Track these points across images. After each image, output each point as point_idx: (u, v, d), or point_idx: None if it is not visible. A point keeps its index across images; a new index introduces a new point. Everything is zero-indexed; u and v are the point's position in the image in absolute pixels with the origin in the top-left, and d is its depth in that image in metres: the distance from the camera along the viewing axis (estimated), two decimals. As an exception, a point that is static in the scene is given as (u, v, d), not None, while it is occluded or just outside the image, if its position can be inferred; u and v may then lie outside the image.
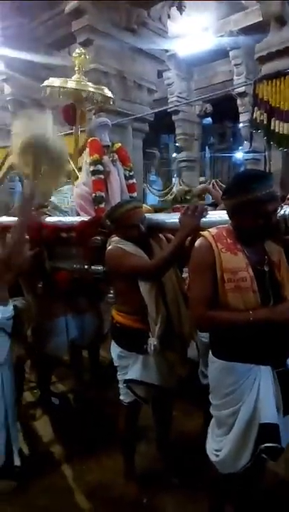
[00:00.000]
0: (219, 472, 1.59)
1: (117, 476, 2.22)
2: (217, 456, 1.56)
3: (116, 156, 2.65)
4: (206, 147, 12.76)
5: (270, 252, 1.52)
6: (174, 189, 10.30)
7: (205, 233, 1.52)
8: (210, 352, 1.61)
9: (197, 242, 1.53)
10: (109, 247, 1.97)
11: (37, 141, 2.23)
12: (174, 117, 9.97)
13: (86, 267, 2.36)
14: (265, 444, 1.40)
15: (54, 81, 3.10)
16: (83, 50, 3.33)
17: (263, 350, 1.45)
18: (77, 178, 2.91)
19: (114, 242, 1.95)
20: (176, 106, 9.20)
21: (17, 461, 2.21)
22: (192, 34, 8.02)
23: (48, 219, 2.54)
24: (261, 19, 5.87)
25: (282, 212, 1.46)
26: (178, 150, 11.15)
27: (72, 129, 3.49)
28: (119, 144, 2.79)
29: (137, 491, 2.13)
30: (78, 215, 2.57)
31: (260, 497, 1.78)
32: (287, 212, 1.46)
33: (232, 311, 1.43)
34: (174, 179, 11.80)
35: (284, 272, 1.50)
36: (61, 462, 2.45)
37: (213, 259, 1.45)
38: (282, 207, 1.50)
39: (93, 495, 2.16)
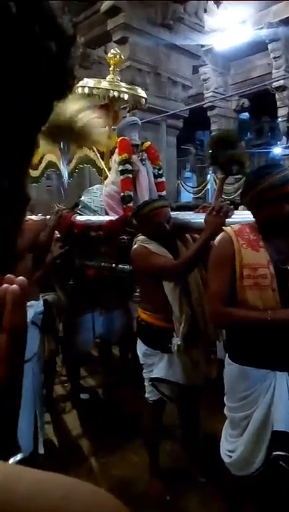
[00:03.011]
0: (233, 474, 1.58)
1: (141, 472, 2.24)
2: (230, 457, 1.55)
3: (145, 155, 2.66)
4: (243, 143, 12.47)
5: None
6: (209, 186, 10.13)
7: (227, 228, 1.52)
8: (226, 354, 1.59)
9: (218, 237, 1.53)
10: (135, 246, 1.98)
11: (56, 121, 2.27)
12: (209, 113, 9.81)
13: (113, 265, 2.40)
14: (276, 453, 1.37)
15: (88, 81, 3.16)
16: (118, 51, 3.35)
17: (279, 355, 1.41)
18: (107, 177, 2.95)
19: (140, 241, 1.97)
20: (210, 102, 9.05)
21: (41, 450, 2.28)
22: (229, 28, 7.85)
23: (78, 218, 2.60)
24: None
25: None
26: (213, 146, 10.97)
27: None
28: (149, 143, 2.79)
29: (160, 488, 2.15)
30: (107, 214, 2.61)
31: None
32: None
33: (249, 310, 1.40)
34: (208, 175, 11.64)
35: None
36: (88, 455, 2.51)
37: (233, 254, 1.44)
38: None
39: (117, 489, 2.19)
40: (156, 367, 2.02)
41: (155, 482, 2.17)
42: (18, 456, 0.43)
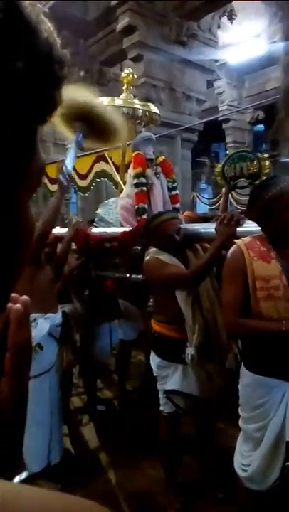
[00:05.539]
0: (248, 488, 1.56)
1: (159, 486, 2.22)
2: (245, 471, 1.53)
3: (159, 169, 2.71)
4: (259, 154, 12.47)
5: None
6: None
7: (238, 241, 1.55)
8: (242, 364, 1.60)
9: (229, 250, 1.56)
10: (147, 258, 2.01)
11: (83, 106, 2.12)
12: (224, 126, 9.87)
13: (127, 275, 2.43)
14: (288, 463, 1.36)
15: (103, 100, 3.28)
16: (131, 70, 3.45)
17: None
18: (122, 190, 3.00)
19: (152, 253, 2.00)
20: (225, 115, 9.11)
21: (53, 461, 2.26)
22: (243, 42, 7.95)
23: (94, 230, 2.66)
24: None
25: None
26: (229, 158, 11.01)
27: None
28: (163, 157, 2.84)
29: (177, 503, 2.12)
30: (122, 226, 2.66)
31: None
32: None
33: (263, 320, 1.42)
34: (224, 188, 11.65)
35: None
36: (105, 468, 2.50)
37: (244, 266, 1.46)
38: None
39: (134, 503, 2.18)
40: (171, 379, 2.02)
41: (172, 497, 2.15)
42: (24, 475, 0.43)
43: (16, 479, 0.43)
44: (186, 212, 3.92)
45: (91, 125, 2.19)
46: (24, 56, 0.26)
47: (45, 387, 2.24)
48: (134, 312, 2.90)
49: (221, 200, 2.94)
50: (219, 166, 2.63)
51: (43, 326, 2.26)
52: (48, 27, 0.29)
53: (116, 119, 2.25)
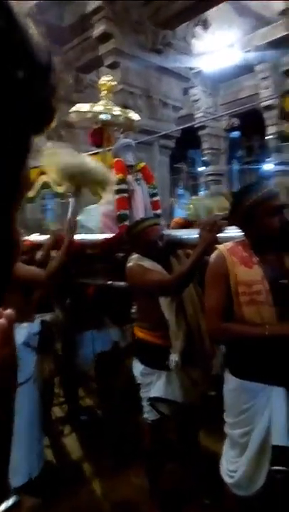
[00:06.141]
0: (234, 493, 1.56)
1: (143, 496, 2.19)
2: (232, 477, 1.53)
3: (140, 175, 2.72)
4: (234, 160, 12.71)
5: None
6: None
7: (220, 246, 1.56)
8: (226, 369, 1.60)
9: (212, 256, 1.56)
10: (129, 264, 2.00)
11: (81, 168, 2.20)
12: (200, 132, 10.01)
13: (109, 282, 2.41)
14: (274, 467, 1.37)
15: (82, 107, 3.27)
16: (109, 78, 3.46)
17: (276, 370, 1.42)
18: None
19: (134, 260, 1.99)
20: (201, 122, 9.26)
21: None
22: (217, 51, 8.12)
23: (76, 236, 2.62)
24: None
25: None
26: (205, 164, 11.18)
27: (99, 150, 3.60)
28: (143, 163, 2.85)
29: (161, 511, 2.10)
30: (103, 232, 2.64)
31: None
32: None
33: (246, 325, 1.42)
34: (201, 193, 11.82)
35: None
36: (89, 478, 2.46)
37: (227, 271, 1.47)
38: None
39: (118, 512, 2.15)
40: (154, 386, 2.00)
41: (155, 505, 2.12)
42: (11, 501, 0.41)
43: (3, 506, 0.40)
44: (175, 219, 3.99)
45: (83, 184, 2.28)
46: (24, 66, 0.26)
47: (24, 398, 2.18)
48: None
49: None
50: None
51: (18, 335, 2.21)
52: (37, 34, 0.29)
53: (102, 172, 2.32)
